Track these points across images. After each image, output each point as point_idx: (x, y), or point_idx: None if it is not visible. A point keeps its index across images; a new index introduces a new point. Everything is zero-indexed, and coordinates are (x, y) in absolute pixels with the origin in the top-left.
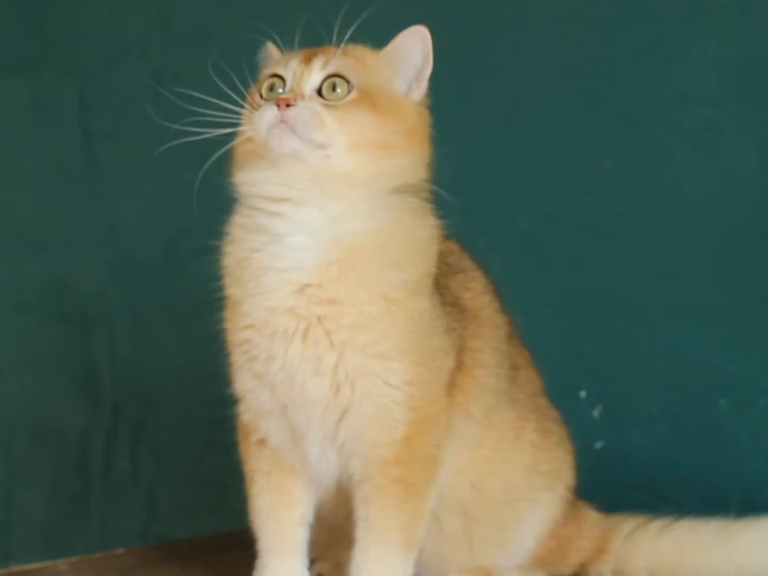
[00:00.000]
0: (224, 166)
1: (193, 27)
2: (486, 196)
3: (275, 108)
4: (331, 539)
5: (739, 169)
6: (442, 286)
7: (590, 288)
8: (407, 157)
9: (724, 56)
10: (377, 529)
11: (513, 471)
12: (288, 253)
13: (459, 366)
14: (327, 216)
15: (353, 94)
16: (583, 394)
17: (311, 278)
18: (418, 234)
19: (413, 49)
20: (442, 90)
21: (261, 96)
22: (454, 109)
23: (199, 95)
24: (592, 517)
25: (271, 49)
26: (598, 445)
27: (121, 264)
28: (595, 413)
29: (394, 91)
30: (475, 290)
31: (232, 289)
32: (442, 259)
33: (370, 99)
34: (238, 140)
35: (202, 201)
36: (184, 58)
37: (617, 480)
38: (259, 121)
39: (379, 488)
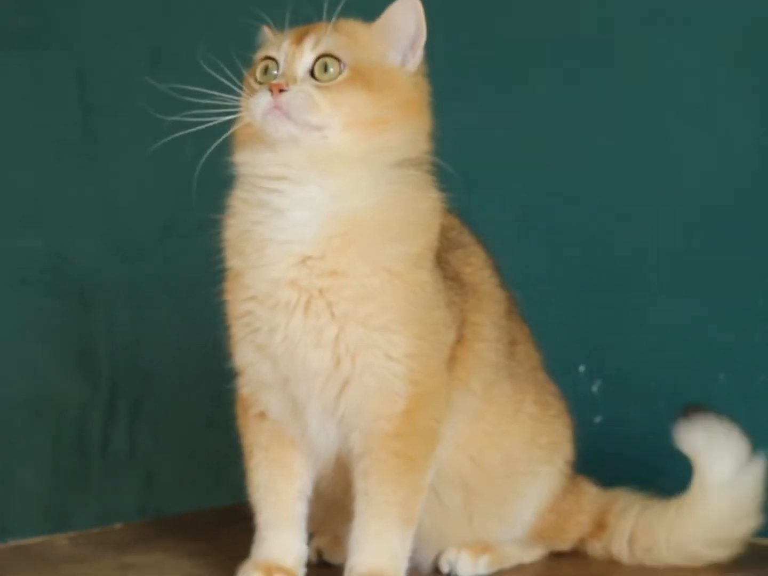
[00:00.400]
0: (224, 143)
1: (193, 2)
2: (484, 170)
3: (269, 94)
4: (330, 513)
5: (739, 143)
6: (443, 260)
7: (589, 263)
8: (404, 130)
9: (723, 29)
10: (376, 504)
11: (513, 444)
12: (289, 227)
13: (459, 340)
14: (327, 193)
15: (345, 73)
16: (582, 368)
17: (313, 250)
18: (420, 207)
19: (406, 19)
20: (442, 63)
21: (256, 80)
22: (454, 82)
23: (195, 88)
24: (591, 491)
25: (267, 32)
26: (597, 419)
27: (120, 239)
28: (594, 388)
29: (388, 64)
30: (476, 265)
31: (234, 261)
32: (443, 233)
33: (363, 76)
34: (237, 125)
35: (202, 176)
36: (183, 33)
37: (616, 455)
38: (255, 107)
39: (379, 462)
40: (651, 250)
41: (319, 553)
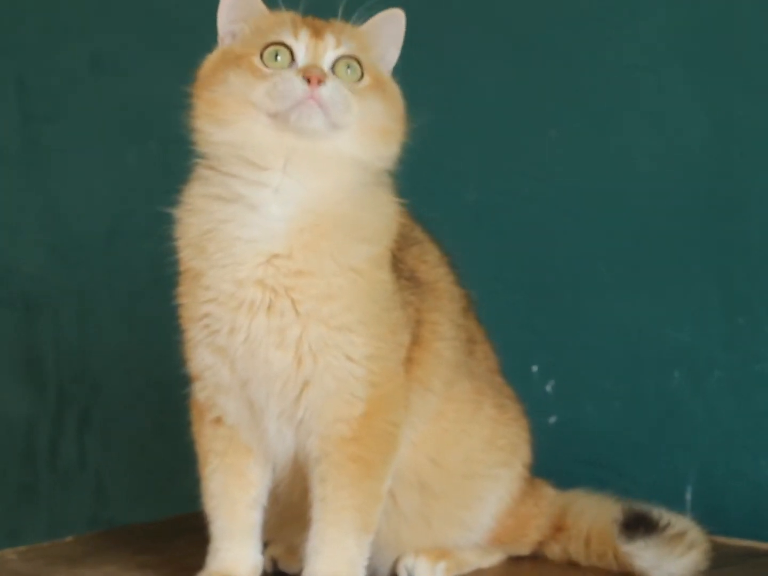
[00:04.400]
0: (167, 144)
1: (134, 6)
2: (432, 169)
3: (304, 83)
4: (286, 521)
5: (690, 139)
6: (398, 259)
7: (540, 261)
8: (401, 141)
9: (672, 23)
10: (333, 510)
11: (472, 445)
12: (261, 224)
13: (416, 341)
14: (306, 190)
15: (367, 79)
16: (535, 368)
17: (282, 248)
18: (387, 210)
19: (396, 29)
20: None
21: (264, 63)
22: (400, 81)
23: None
24: (549, 494)
25: (260, 7)
26: (552, 420)
27: (64, 247)
28: (548, 388)
29: (387, 74)
30: (431, 263)
31: (194, 261)
32: (398, 231)
33: (380, 85)
34: (219, 95)
35: (144, 182)
36: (124, 38)
37: (571, 455)
38: (285, 93)
39: (336, 466)
40: (604, 248)
41: (274, 562)
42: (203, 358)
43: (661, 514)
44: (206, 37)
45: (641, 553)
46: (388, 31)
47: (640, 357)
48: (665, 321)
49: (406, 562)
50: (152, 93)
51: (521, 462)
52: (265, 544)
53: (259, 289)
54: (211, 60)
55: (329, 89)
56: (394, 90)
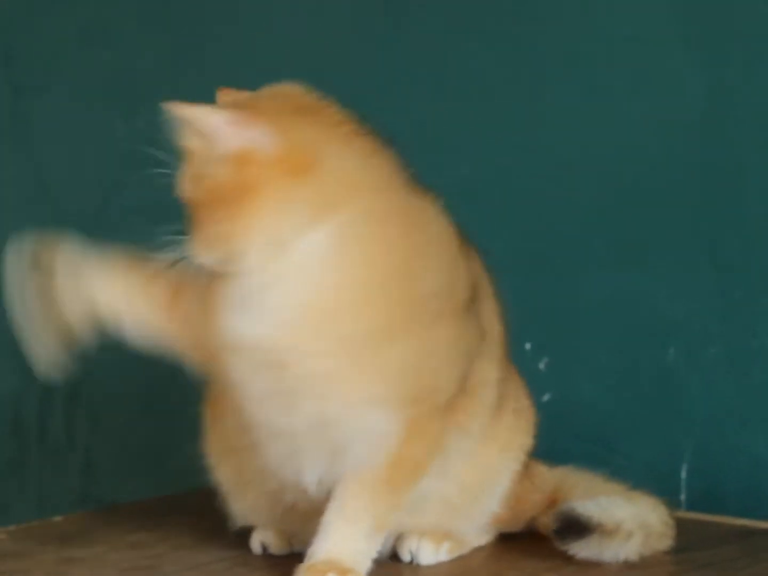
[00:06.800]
0: (158, 118)
1: None
2: (426, 144)
3: None
4: (286, 515)
5: (685, 112)
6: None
7: (533, 237)
8: None
9: None
10: (349, 512)
11: (490, 460)
12: None
13: (464, 389)
14: None
15: None
16: (528, 346)
17: None
18: None
19: None
20: (383, 38)
21: None
22: (393, 57)
23: None
24: (542, 471)
25: None
26: (546, 397)
27: (54, 221)
28: (541, 365)
29: None
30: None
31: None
32: None
33: None
34: None
35: (134, 156)
36: (113, 10)
37: (566, 433)
38: None
39: (361, 484)
40: (597, 223)
41: (264, 547)
42: None
43: (592, 515)
44: (196, 9)
45: (578, 551)
46: None
47: (634, 333)
48: (660, 296)
49: (410, 545)
50: (141, 66)
51: (525, 452)
52: (251, 529)
53: None
54: None
55: None
56: None
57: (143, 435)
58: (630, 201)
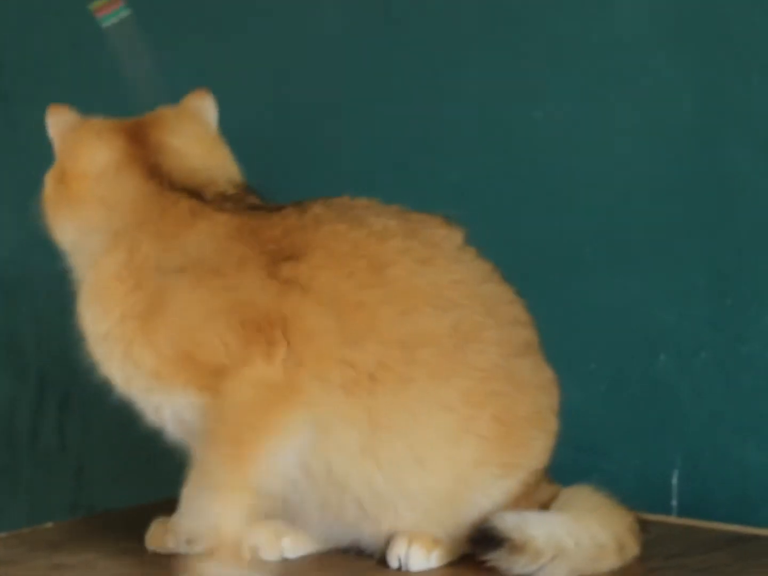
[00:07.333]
0: None
1: None
2: (415, 150)
3: None
4: None
5: (676, 119)
6: None
7: (524, 243)
8: None
9: (657, 1)
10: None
11: (462, 471)
12: None
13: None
14: None
15: None
16: None
17: None
18: None
19: None
20: (371, 47)
21: None
22: (381, 61)
23: None
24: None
25: None
26: None
27: (44, 230)
28: None
29: None
30: None
31: None
32: None
33: None
34: None
35: None
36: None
37: (557, 439)
38: None
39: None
40: (588, 229)
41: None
42: None
43: (504, 528)
44: (183, 18)
45: (494, 563)
46: None
47: (625, 339)
48: (651, 302)
49: (399, 551)
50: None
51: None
52: None
53: None
54: None
55: None
56: None
57: (135, 442)
58: (621, 208)
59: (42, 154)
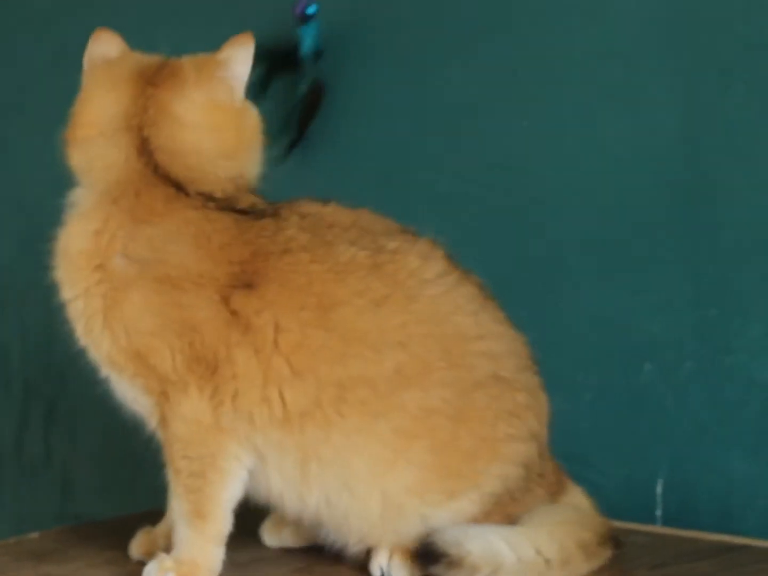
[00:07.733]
0: None
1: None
2: (404, 160)
3: None
4: None
5: (661, 130)
6: None
7: (511, 252)
8: None
9: (644, 11)
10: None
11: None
12: None
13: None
14: None
15: None
16: None
17: None
18: None
19: None
20: (358, 52)
21: None
22: (369, 75)
23: None
24: None
25: None
26: None
27: (31, 239)
28: None
29: None
30: None
31: None
32: None
33: None
34: None
35: None
36: (88, 33)
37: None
38: None
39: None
40: (573, 239)
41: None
42: None
43: (443, 542)
44: (169, 30)
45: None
46: None
47: (610, 349)
48: (636, 313)
49: (381, 562)
50: None
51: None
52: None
53: None
54: None
55: None
56: None
57: (119, 453)
58: (606, 220)
59: (29, 165)
